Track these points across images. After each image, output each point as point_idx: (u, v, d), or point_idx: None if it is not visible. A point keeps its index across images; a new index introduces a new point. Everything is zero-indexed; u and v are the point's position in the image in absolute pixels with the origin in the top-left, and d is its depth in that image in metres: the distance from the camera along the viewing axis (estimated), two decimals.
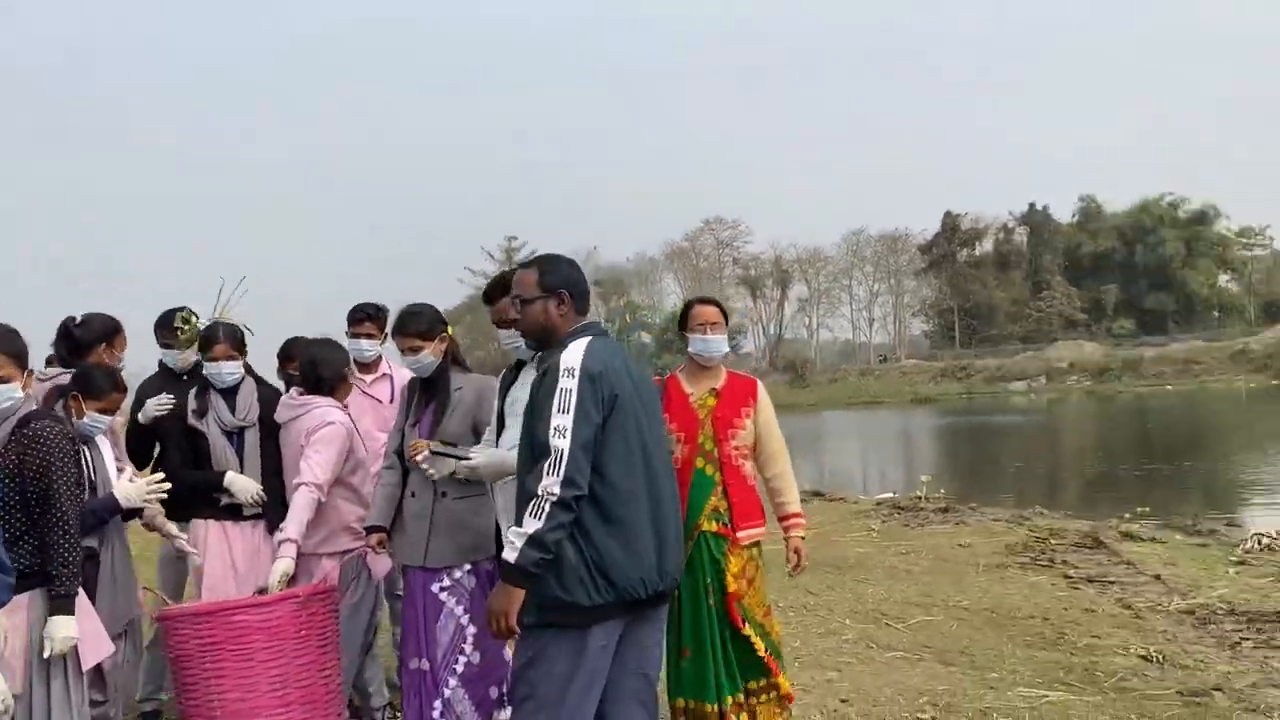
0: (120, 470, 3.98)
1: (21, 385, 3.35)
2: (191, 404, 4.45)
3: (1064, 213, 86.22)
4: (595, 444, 2.81)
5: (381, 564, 4.24)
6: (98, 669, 3.47)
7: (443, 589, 3.98)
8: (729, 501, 3.83)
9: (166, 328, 4.70)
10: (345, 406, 4.41)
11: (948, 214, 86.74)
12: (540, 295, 3.05)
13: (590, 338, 2.99)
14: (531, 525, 2.72)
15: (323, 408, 4.29)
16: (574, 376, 2.84)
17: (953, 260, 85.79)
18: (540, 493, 2.72)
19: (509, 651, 4.20)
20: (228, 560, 4.42)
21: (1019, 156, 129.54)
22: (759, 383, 4.06)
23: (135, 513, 3.82)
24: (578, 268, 3.21)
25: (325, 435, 4.19)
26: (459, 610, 3.98)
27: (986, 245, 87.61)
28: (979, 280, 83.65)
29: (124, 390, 4.07)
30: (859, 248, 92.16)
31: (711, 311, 4.04)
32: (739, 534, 3.82)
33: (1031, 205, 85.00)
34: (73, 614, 3.26)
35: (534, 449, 2.84)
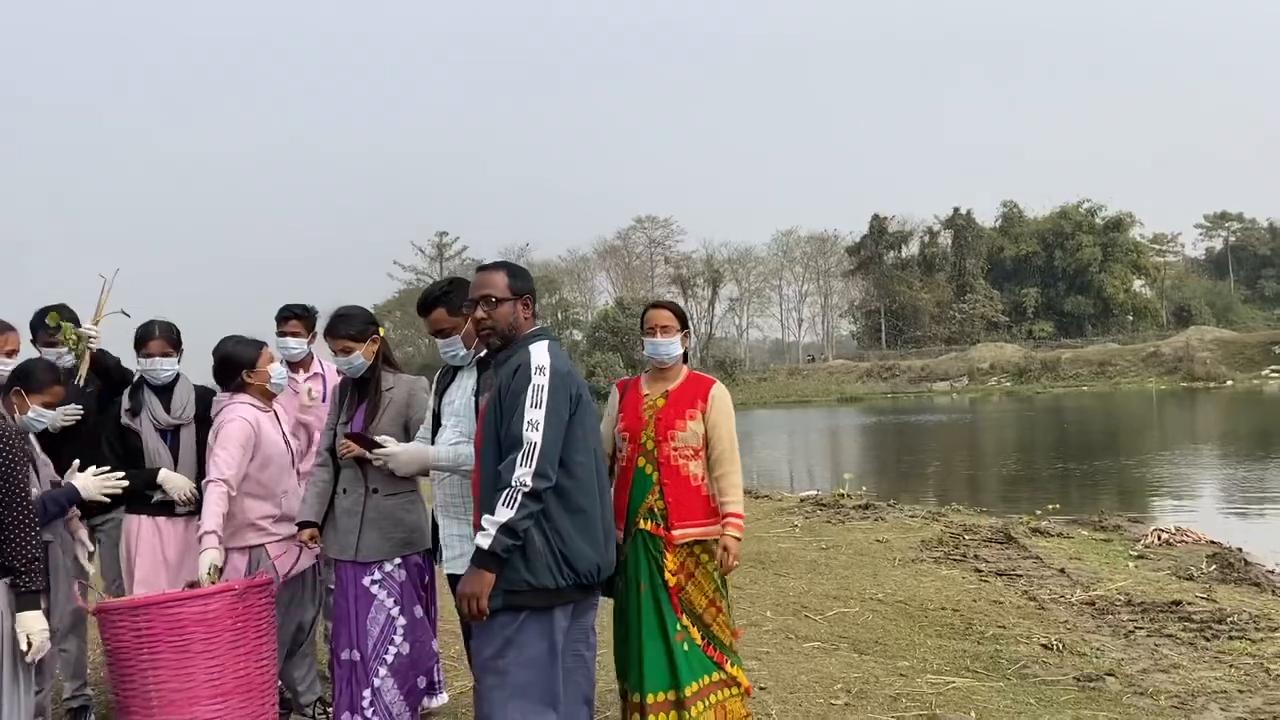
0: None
1: None
2: (125, 402, 4.49)
3: (987, 217, 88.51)
4: (562, 439, 3.03)
5: (287, 561, 4.30)
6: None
7: (374, 582, 4.10)
8: (665, 501, 3.88)
9: (44, 328, 4.70)
10: (269, 404, 4.49)
11: (875, 216, 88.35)
12: (511, 297, 3.23)
13: (547, 340, 3.21)
14: (504, 514, 2.91)
15: (232, 404, 4.35)
16: (545, 374, 3.04)
17: (880, 262, 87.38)
18: (513, 483, 2.92)
19: (436, 644, 4.36)
20: (159, 556, 4.47)
21: (946, 161, 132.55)
22: (716, 384, 4.04)
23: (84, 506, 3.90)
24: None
25: (229, 432, 4.24)
26: (389, 603, 4.10)
27: (913, 248, 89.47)
28: (905, 282, 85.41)
29: (63, 383, 4.11)
30: (789, 248, 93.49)
31: (663, 315, 4.05)
32: (674, 532, 3.85)
33: (956, 210, 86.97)
34: (39, 608, 3.30)
35: (503, 441, 3.03)
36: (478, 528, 3.09)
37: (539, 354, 3.11)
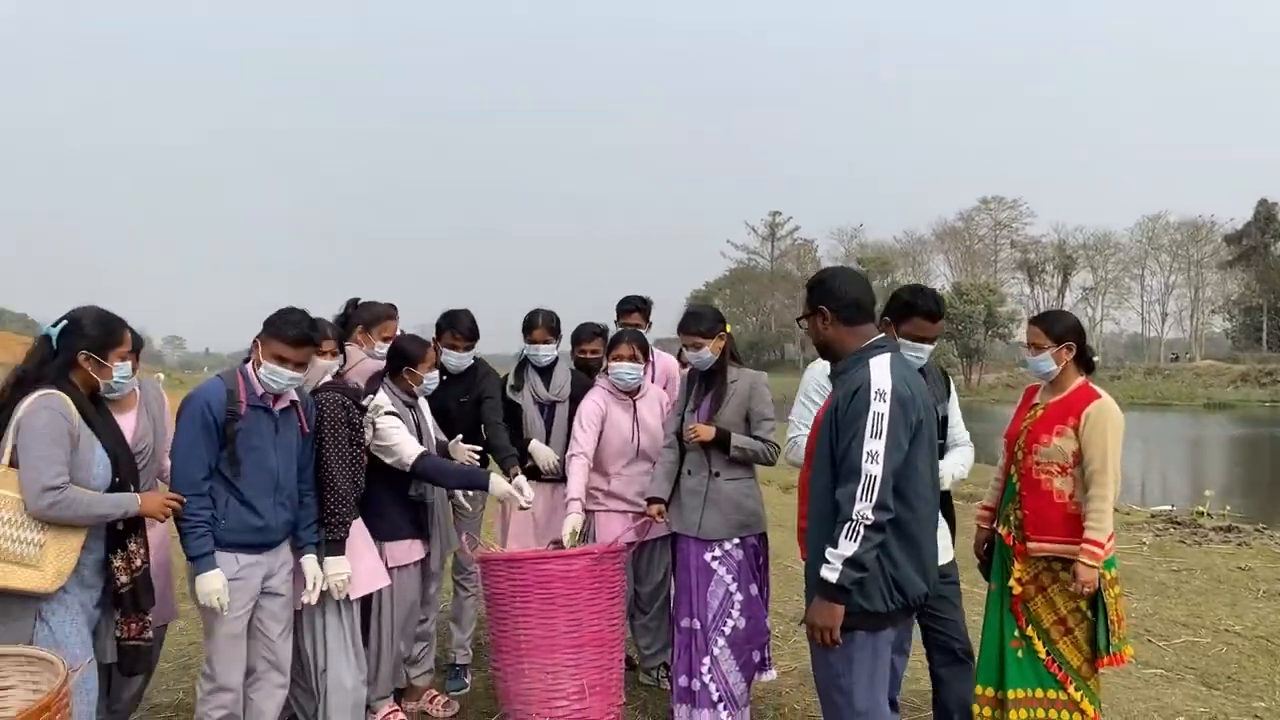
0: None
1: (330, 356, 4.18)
2: (511, 379, 5.16)
3: None
4: (901, 468, 2.98)
5: (610, 533, 4.76)
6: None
7: (714, 558, 4.43)
8: (1023, 511, 3.92)
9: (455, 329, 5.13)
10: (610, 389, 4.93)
11: (1262, 202, 78.46)
12: (810, 312, 3.24)
13: (888, 354, 3.08)
14: (849, 548, 2.90)
15: (592, 388, 4.91)
16: (886, 400, 2.94)
17: (1265, 253, 77.59)
18: (854, 516, 2.88)
19: (769, 621, 4.62)
20: (529, 515, 5.10)
21: None
22: (1097, 401, 3.88)
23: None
24: (851, 281, 3.25)
25: (584, 409, 4.84)
26: (728, 579, 4.41)
27: None
28: None
29: (436, 353, 4.74)
30: (1155, 235, 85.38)
31: (1032, 332, 4.02)
32: (1029, 544, 3.88)
33: None
34: (344, 554, 3.98)
35: (840, 465, 3.00)
36: (803, 530, 3.26)
37: (880, 375, 2.99)
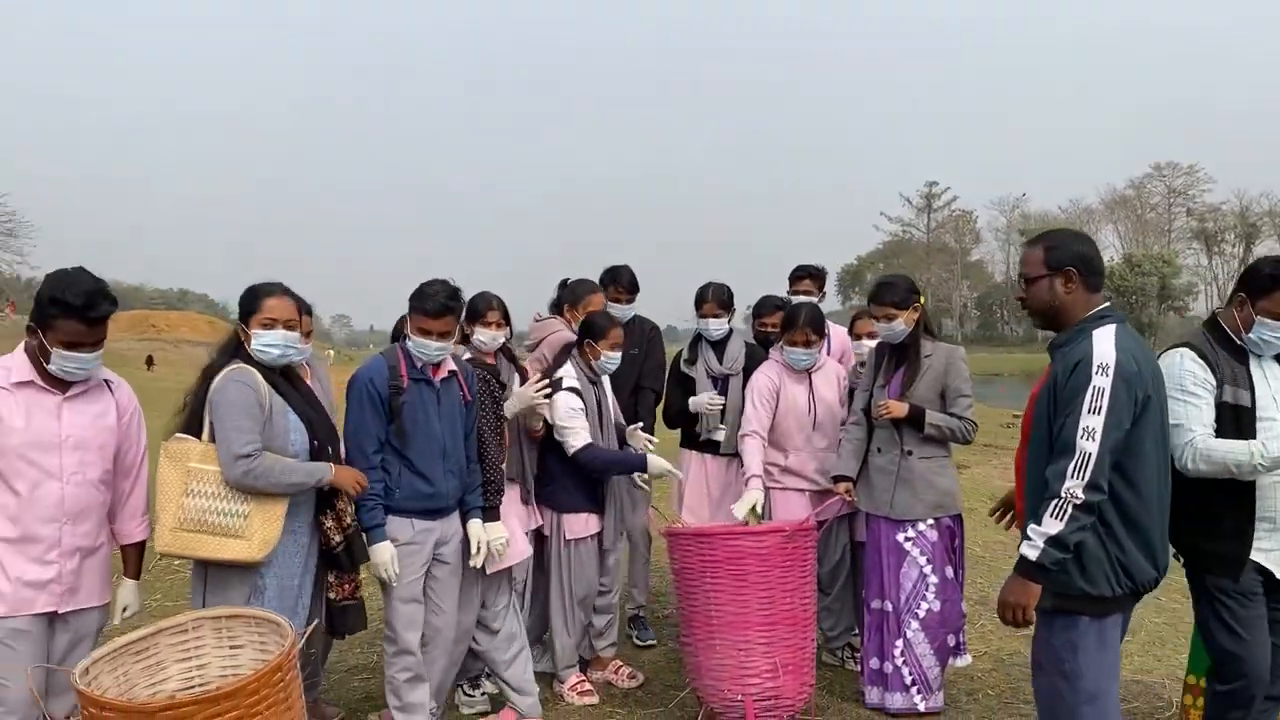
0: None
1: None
2: (685, 353, 5.13)
3: None
4: (1121, 448, 2.78)
5: (789, 511, 4.65)
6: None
7: (906, 539, 4.30)
8: None
9: (618, 283, 5.25)
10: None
11: None
12: (1045, 273, 2.95)
13: (1114, 325, 2.88)
14: (1053, 526, 2.74)
15: (765, 363, 4.87)
16: (1108, 375, 2.75)
17: None
18: (1062, 494, 2.72)
19: (965, 604, 4.46)
20: (704, 489, 5.10)
21: None
22: None
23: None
24: (1090, 243, 3.06)
25: (753, 384, 4.80)
26: (922, 560, 4.28)
27: None
28: None
29: (621, 329, 4.70)
30: None
31: None
32: None
33: None
34: (499, 520, 4.08)
35: (1054, 442, 2.83)
36: (1023, 515, 3.05)
37: (1103, 348, 2.78)
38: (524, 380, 4.44)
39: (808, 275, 5.58)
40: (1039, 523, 2.77)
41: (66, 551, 3.01)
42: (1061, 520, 2.73)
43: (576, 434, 4.37)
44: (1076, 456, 2.73)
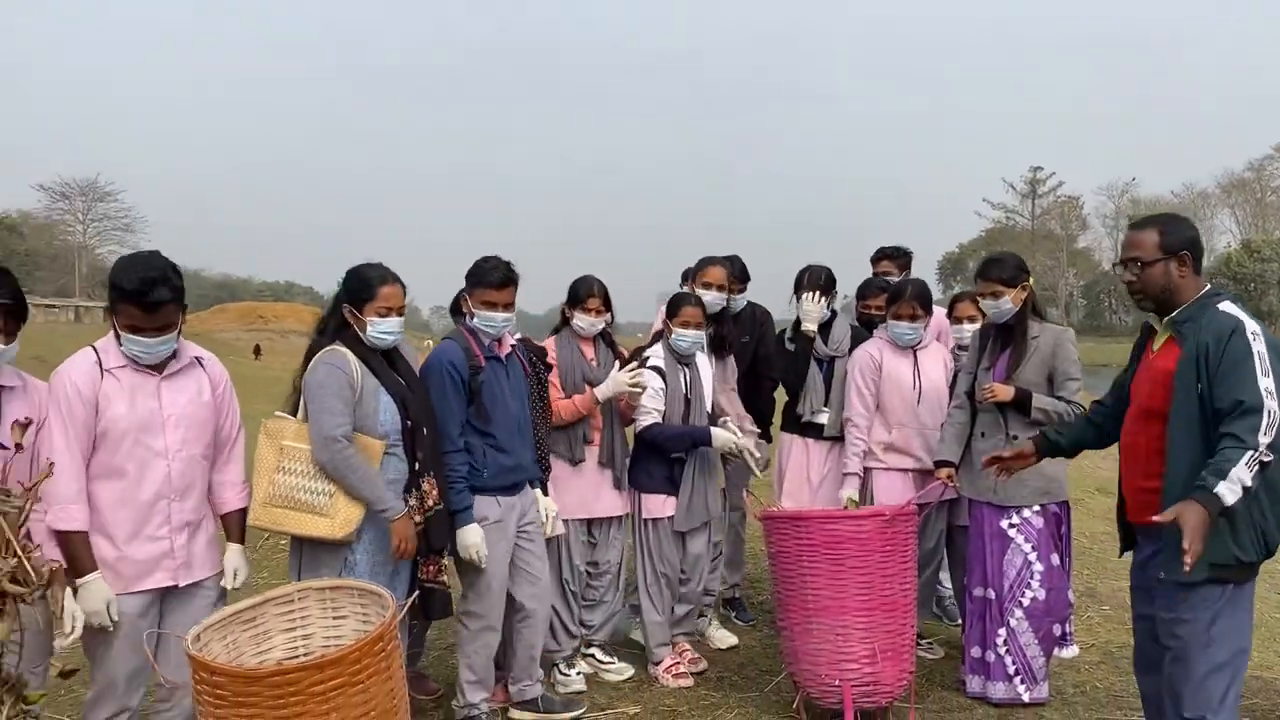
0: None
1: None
2: (789, 332, 5.08)
3: None
4: None
5: (892, 493, 4.56)
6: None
7: (1011, 525, 4.17)
8: None
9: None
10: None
11: None
12: (1161, 257, 3.02)
13: (1230, 300, 2.98)
14: (1246, 477, 2.69)
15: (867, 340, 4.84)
16: (1262, 340, 2.84)
17: None
18: (1259, 446, 2.70)
19: (1072, 594, 4.31)
20: (804, 473, 5.03)
21: None
22: None
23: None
24: (1195, 228, 3.14)
25: (857, 365, 4.75)
26: (1026, 547, 4.15)
27: None
28: None
29: (697, 308, 4.59)
30: None
31: None
32: None
33: None
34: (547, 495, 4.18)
35: (1221, 406, 2.79)
36: (1144, 490, 3.02)
37: (1247, 317, 2.89)
38: (623, 366, 4.47)
39: (886, 256, 5.47)
40: (1223, 475, 2.70)
41: (176, 527, 3.10)
42: (1252, 471, 2.71)
43: (644, 413, 4.42)
44: (1266, 415, 2.73)
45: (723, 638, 5.07)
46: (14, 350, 2.96)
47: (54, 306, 52.34)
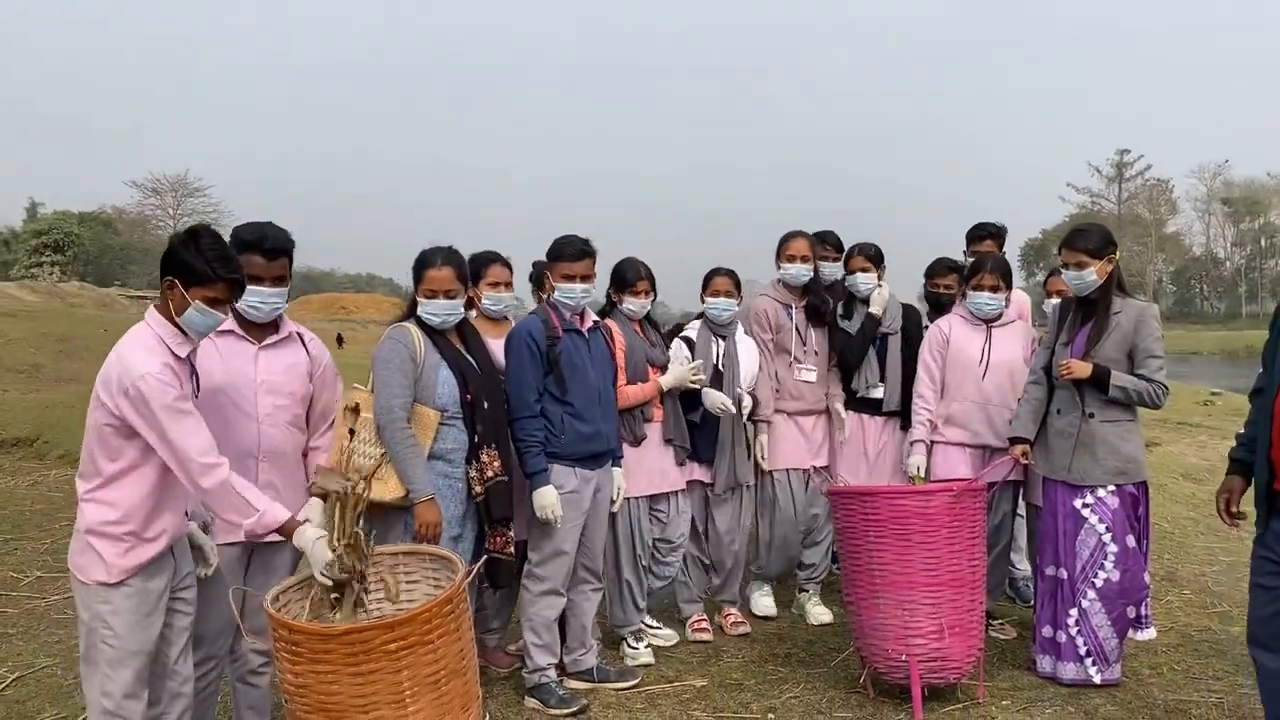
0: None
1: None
2: (839, 309, 5.10)
3: None
4: None
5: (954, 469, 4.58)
6: None
7: (1084, 505, 4.10)
8: None
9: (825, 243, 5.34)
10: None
11: None
12: None
13: None
14: None
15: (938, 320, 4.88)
16: None
17: None
18: None
19: (1148, 576, 4.23)
20: (861, 447, 5.06)
21: None
22: None
23: None
24: None
25: (928, 341, 4.81)
26: (1100, 528, 4.07)
27: None
28: None
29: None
30: None
31: None
32: None
33: None
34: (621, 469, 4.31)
35: None
36: None
37: None
38: (666, 346, 4.71)
39: (989, 235, 5.40)
40: None
41: (262, 486, 3.22)
42: None
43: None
44: None
45: (765, 606, 5.20)
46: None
47: (146, 297, 54.31)
